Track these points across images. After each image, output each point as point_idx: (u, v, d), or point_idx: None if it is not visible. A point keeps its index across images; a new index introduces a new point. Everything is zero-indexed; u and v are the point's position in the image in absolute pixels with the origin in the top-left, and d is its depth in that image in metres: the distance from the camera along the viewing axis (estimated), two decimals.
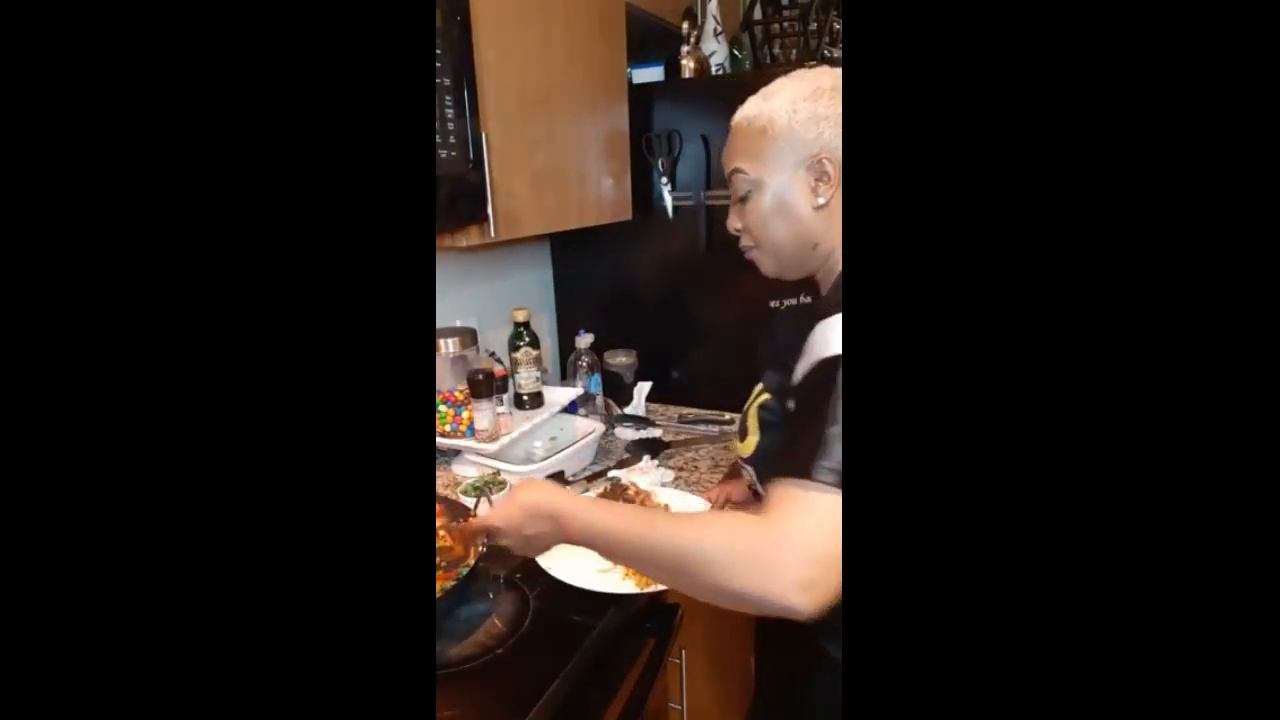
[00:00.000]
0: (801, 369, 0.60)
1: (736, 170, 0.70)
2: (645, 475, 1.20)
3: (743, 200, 0.71)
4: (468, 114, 0.93)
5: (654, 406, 1.57)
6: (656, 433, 1.39)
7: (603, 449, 1.36)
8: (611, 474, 1.21)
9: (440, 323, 1.20)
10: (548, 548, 0.70)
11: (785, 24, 1.69)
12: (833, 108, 0.65)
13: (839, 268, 0.68)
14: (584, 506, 0.64)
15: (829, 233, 0.68)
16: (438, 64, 0.87)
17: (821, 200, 0.66)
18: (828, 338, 0.58)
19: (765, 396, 0.72)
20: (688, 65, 1.54)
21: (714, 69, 1.59)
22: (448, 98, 0.89)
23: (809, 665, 0.71)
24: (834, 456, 0.53)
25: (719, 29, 1.61)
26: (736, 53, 1.71)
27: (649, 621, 0.92)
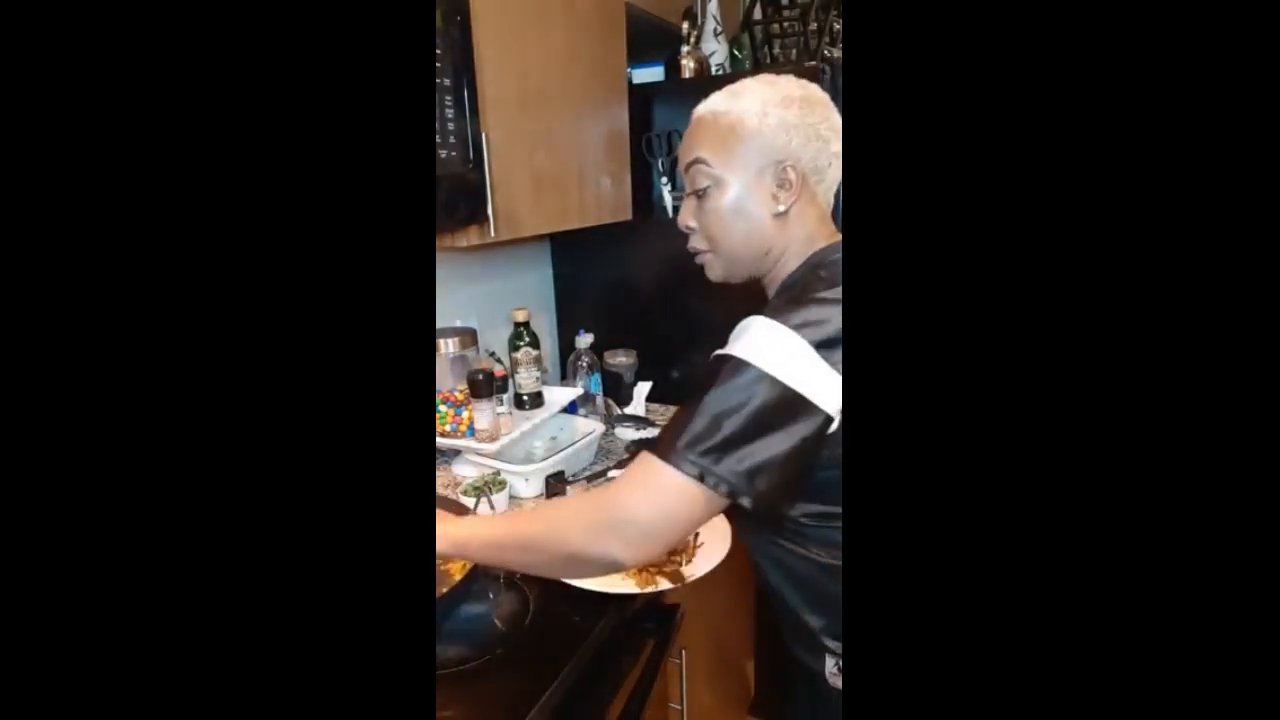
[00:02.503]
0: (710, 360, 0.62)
1: (699, 161, 0.68)
2: None
3: (699, 196, 0.70)
4: (468, 114, 0.93)
5: (654, 406, 1.57)
6: (656, 432, 1.39)
7: (603, 449, 1.36)
8: (611, 474, 1.21)
9: (440, 323, 1.20)
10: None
11: (785, 24, 1.69)
12: (801, 117, 0.65)
13: (784, 273, 0.69)
14: (455, 523, 0.68)
15: (783, 240, 0.68)
16: (438, 64, 0.87)
17: (781, 208, 0.67)
18: (735, 335, 0.60)
19: None
20: (688, 65, 1.53)
21: (714, 69, 1.59)
22: (448, 98, 0.89)
23: (794, 677, 0.71)
24: (695, 447, 0.55)
25: (719, 29, 1.60)
26: (736, 53, 1.71)
27: (649, 621, 0.92)
